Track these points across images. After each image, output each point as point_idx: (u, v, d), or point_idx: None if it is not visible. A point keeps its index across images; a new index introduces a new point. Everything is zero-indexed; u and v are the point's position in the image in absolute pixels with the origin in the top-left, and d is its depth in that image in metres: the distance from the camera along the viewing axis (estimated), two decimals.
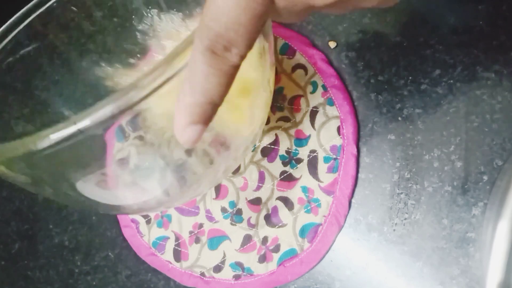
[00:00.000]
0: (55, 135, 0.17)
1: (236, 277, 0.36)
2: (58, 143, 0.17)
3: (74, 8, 0.32)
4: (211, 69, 0.17)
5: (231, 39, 0.17)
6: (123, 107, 0.17)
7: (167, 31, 0.35)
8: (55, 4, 0.31)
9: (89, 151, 0.21)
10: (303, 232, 0.34)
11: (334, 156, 0.34)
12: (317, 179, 0.35)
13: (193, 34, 0.17)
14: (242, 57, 0.17)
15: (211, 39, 0.17)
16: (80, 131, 0.17)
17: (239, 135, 0.26)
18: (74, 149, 0.19)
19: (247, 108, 0.26)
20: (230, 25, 0.16)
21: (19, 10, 0.30)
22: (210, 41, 0.17)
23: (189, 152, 0.25)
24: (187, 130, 0.18)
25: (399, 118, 0.34)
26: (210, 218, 0.38)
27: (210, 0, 0.17)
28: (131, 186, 0.26)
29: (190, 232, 0.38)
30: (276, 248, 0.35)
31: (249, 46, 0.17)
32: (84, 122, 0.17)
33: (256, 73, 0.25)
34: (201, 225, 0.38)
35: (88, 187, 0.23)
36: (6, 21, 0.30)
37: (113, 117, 0.17)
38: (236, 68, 0.18)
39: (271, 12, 0.18)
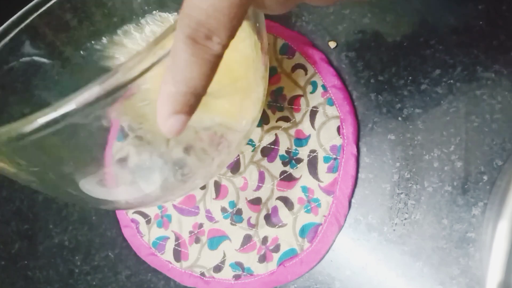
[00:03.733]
0: (42, 119, 0.17)
1: (236, 277, 0.36)
2: (43, 127, 0.17)
3: (74, 9, 0.32)
4: (193, 58, 0.17)
5: (212, 27, 0.17)
6: (102, 92, 0.17)
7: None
8: (55, 5, 0.31)
9: (87, 145, 0.21)
10: (303, 232, 0.34)
11: (334, 156, 0.34)
12: (317, 179, 0.35)
13: (175, 23, 0.17)
14: (224, 46, 0.17)
15: (192, 27, 0.16)
16: (61, 117, 0.17)
17: (231, 130, 0.26)
18: (68, 139, 0.18)
19: (237, 102, 0.26)
20: (211, 12, 0.16)
21: (19, 10, 0.30)
22: (191, 30, 0.17)
23: (187, 149, 0.25)
24: (170, 120, 0.18)
25: (399, 118, 0.34)
26: (210, 218, 0.38)
27: None
28: (128, 183, 0.26)
29: (190, 232, 0.38)
30: (276, 248, 0.35)
31: (231, 35, 0.17)
32: (64, 108, 0.17)
33: (247, 68, 0.25)
34: (201, 225, 0.38)
35: (86, 184, 0.23)
36: (6, 21, 0.30)
37: (92, 103, 0.17)
38: (218, 57, 0.18)
39: (254, 1, 0.18)
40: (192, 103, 0.18)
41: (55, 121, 0.17)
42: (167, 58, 0.18)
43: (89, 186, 0.23)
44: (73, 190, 0.23)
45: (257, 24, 0.24)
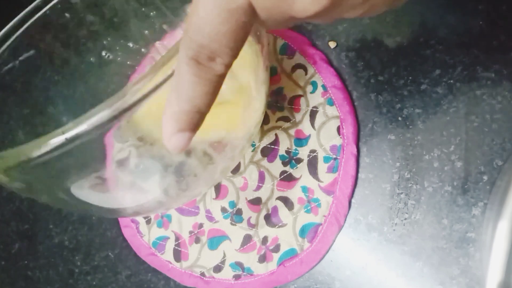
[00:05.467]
0: (51, 142, 0.18)
1: (236, 277, 0.36)
2: (51, 151, 0.18)
3: (73, 10, 0.32)
4: (196, 78, 0.17)
5: (215, 50, 0.17)
6: (111, 115, 0.18)
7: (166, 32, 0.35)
8: (54, 6, 0.31)
9: (88, 155, 0.21)
10: (303, 232, 0.34)
11: (334, 156, 0.34)
12: (317, 179, 0.35)
13: (179, 42, 0.17)
14: (227, 66, 0.18)
15: (195, 49, 0.17)
16: (69, 140, 0.17)
17: (234, 136, 0.26)
18: (70, 155, 0.19)
19: (240, 108, 0.26)
20: (213, 36, 0.17)
21: (19, 14, 0.30)
22: (194, 52, 0.17)
23: (188, 152, 0.25)
24: (174, 138, 0.18)
25: (399, 118, 0.34)
26: (210, 218, 0.38)
27: (192, 11, 0.17)
28: (130, 188, 0.26)
29: (190, 232, 0.38)
30: (276, 248, 0.35)
31: (234, 56, 0.18)
32: (74, 131, 0.17)
33: (249, 75, 0.25)
34: (201, 225, 0.38)
35: (87, 192, 0.23)
36: (6, 24, 0.30)
37: (100, 126, 0.18)
38: (221, 77, 0.18)
39: (255, 22, 0.18)
40: (196, 121, 0.18)
41: (62, 146, 0.18)
42: (172, 78, 0.18)
43: (89, 193, 0.23)
44: (70, 198, 0.23)
45: (258, 33, 0.24)
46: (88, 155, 0.21)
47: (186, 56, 0.17)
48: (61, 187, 0.22)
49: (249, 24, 0.17)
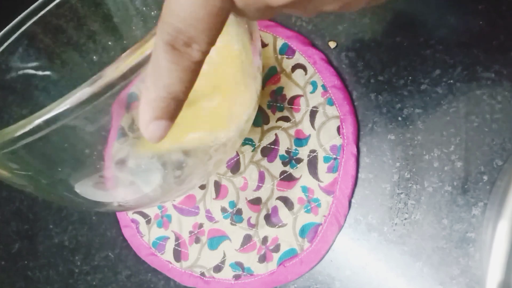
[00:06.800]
0: (35, 122, 0.17)
1: (236, 277, 0.36)
2: (33, 131, 0.18)
3: (74, 9, 0.32)
4: (172, 64, 0.17)
5: (191, 35, 0.17)
6: (90, 94, 0.17)
7: None
8: (55, 6, 0.31)
9: (84, 148, 0.21)
10: (303, 232, 0.34)
11: (334, 156, 0.34)
12: (317, 179, 0.35)
13: (156, 27, 0.17)
14: (204, 53, 0.17)
15: (171, 34, 0.17)
16: (49, 121, 0.17)
17: (223, 132, 0.26)
18: (62, 142, 0.19)
19: (225, 104, 0.26)
20: (189, 20, 0.16)
21: (20, 14, 0.30)
22: (170, 37, 0.17)
23: (186, 151, 0.25)
24: (151, 126, 0.18)
25: (399, 118, 0.34)
26: (210, 218, 0.38)
27: None
28: (127, 184, 0.26)
29: (190, 232, 0.38)
30: (276, 248, 0.35)
31: (211, 42, 0.17)
32: (54, 111, 0.17)
33: (235, 71, 0.25)
34: (201, 225, 0.38)
35: (83, 186, 0.23)
36: (7, 24, 0.30)
37: (80, 105, 0.17)
38: (198, 63, 0.18)
39: (232, 9, 0.18)
40: (173, 109, 0.18)
41: (46, 125, 0.18)
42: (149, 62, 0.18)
43: (87, 189, 0.23)
44: (69, 193, 0.23)
45: (246, 26, 0.24)
46: (84, 147, 0.21)
47: (162, 41, 0.17)
48: (51, 178, 0.22)
49: (225, 11, 0.17)
